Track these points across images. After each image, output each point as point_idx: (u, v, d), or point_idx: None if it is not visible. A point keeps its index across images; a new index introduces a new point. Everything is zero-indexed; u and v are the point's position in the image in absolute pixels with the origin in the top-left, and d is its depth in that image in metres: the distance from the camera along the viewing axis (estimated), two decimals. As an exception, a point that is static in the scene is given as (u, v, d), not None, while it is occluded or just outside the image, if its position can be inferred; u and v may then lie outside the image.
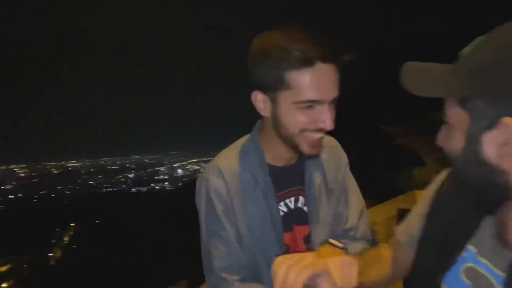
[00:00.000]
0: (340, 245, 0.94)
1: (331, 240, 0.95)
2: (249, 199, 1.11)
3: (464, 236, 0.75)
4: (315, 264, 0.75)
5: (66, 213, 47.08)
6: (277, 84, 0.96)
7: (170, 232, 28.47)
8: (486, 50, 0.60)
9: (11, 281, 30.17)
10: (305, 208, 1.16)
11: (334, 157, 1.22)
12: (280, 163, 1.13)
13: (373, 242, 1.25)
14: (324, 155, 1.19)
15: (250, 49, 1.00)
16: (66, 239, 39.22)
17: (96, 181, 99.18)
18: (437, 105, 0.68)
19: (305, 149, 1.02)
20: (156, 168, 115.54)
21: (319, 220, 1.15)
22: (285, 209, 1.14)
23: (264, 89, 1.00)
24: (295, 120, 0.98)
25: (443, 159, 0.72)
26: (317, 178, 1.17)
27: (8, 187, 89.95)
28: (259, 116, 1.10)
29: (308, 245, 1.14)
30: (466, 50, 0.64)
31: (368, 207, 1.35)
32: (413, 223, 0.92)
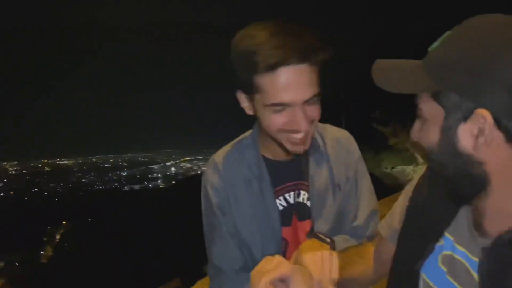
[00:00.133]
0: (327, 239, 0.96)
1: (318, 234, 0.97)
2: (245, 192, 1.13)
3: (441, 225, 0.77)
4: (279, 268, 0.79)
5: (58, 211, 46.70)
6: (249, 87, 0.97)
7: (163, 230, 28.39)
8: (455, 44, 0.61)
9: (2, 279, 29.88)
10: (308, 203, 1.15)
11: (341, 151, 1.19)
12: (279, 158, 1.13)
13: None
14: (330, 150, 1.18)
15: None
16: (58, 237, 38.91)
17: (89, 179, 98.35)
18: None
19: (288, 146, 1.03)
20: (149, 166, 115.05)
21: (322, 215, 1.14)
22: (284, 204, 1.14)
23: (243, 90, 1.01)
24: (270, 121, 0.99)
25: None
26: (322, 173, 1.15)
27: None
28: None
29: None
30: (435, 45, 0.65)
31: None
32: (395, 218, 0.93)
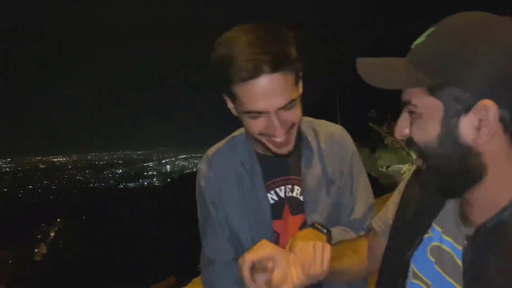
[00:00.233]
0: (324, 230, 0.98)
1: (316, 224, 0.99)
2: (236, 186, 1.16)
3: (429, 217, 0.79)
4: (261, 248, 0.83)
5: (53, 208, 46.56)
6: (228, 93, 1.00)
7: (158, 228, 28.38)
8: (445, 38, 0.62)
9: (-5, 277, 29.72)
10: (301, 198, 1.16)
11: (335, 146, 1.20)
12: (271, 153, 1.13)
13: None
14: (324, 145, 1.19)
15: None
16: (52, 234, 38.76)
17: (83, 177, 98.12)
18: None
19: (271, 148, 1.05)
20: (145, 164, 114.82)
21: (316, 209, 1.15)
22: (275, 197, 1.16)
23: (225, 94, 1.04)
24: (250, 126, 1.02)
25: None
26: (314, 168, 1.17)
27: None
28: None
29: None
30: (420, 41, 0.66)
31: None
32: (388, 213, 0.94)
